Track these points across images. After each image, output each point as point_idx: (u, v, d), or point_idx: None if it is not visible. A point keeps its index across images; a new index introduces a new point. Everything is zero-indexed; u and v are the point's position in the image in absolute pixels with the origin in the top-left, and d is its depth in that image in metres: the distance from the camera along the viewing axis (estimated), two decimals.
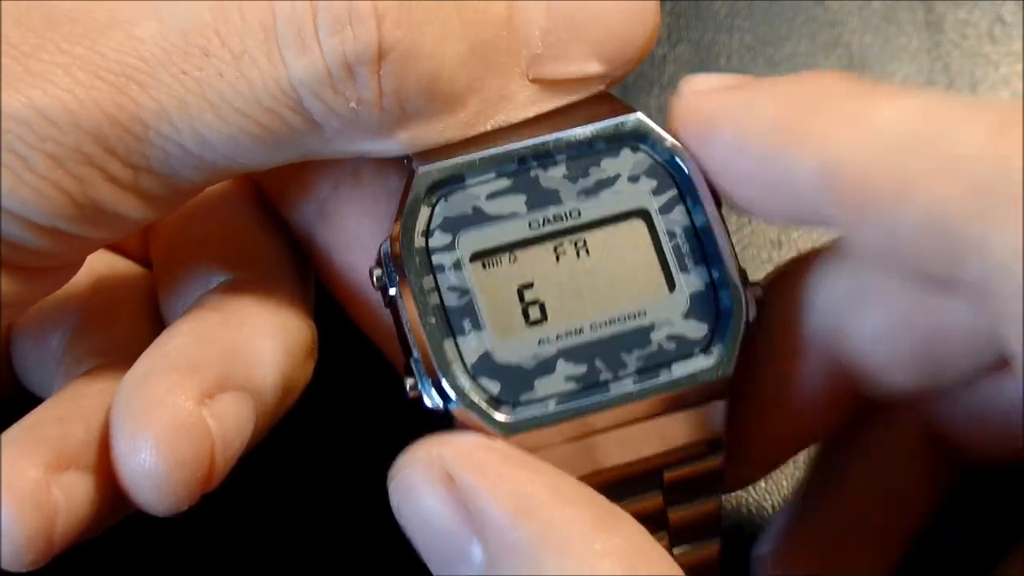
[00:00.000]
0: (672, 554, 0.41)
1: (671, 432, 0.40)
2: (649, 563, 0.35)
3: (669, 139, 0.41)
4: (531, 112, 0.41)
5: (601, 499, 0.36)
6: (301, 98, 0.37)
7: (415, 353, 0.40)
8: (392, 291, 0.40)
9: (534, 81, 0.40)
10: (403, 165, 0.42)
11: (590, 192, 0.41)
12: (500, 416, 0.39)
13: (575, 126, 0.41)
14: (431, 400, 0.39)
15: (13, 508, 0.37)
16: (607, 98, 0.42)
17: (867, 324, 0.40)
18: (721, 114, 0.40)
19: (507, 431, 0.39)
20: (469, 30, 0.38)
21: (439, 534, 0.37)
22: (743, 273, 0.40)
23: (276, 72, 0.37)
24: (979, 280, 0.34)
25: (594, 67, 0.40)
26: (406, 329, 0.40)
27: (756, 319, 0.40)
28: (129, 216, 0.39)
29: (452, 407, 0.39)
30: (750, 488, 0.52)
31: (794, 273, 0.42)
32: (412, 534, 0.38)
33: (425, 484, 0.37)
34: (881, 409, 0.44)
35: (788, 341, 0.42)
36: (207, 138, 0.38)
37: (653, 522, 0.40)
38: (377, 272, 0.40)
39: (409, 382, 0.40)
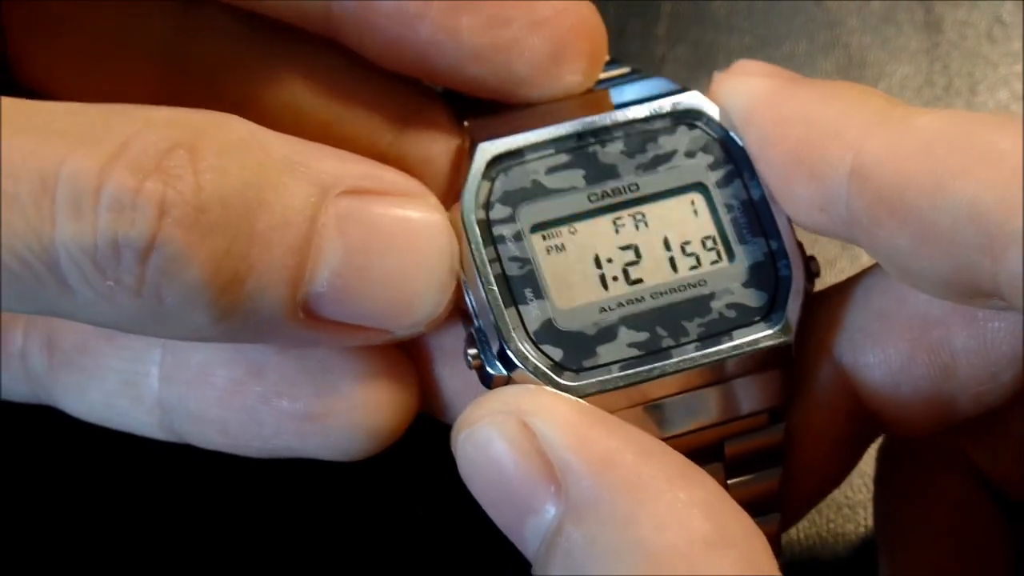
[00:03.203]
0: None
1: (732, 400, 0.42)
2: (733, 515, 0.37)
3: (721, 115, 0.43)
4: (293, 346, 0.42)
5: (678, 454, 0.38)
6: (59, 261, 0.36)
7: (477, 322, 0.41)
8: None
9: (307, 316, 0.39)
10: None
11: (647, 167, 0.43)
12: (564, 381, 0.40)
13: (632, 105, 0.43)
14: (493, 368, 0.41)
15: None
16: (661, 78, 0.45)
17: (879, 358, 0.43)
18: (763, 99, 0.42)
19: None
20: (257, 247, 0.38)
21: (515, 486, 0.38)
22: (800, 244, 0.42)
23: (41, 227, 0.36)
24: (1016, 273, 0.36)
25: (373, 321, 0.40)
26: (468, 298, 0.41)
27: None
28: None
29: (516, 373, 0.40)
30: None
31: (814, 312, 0.44)
32: (482, 488, 0.39)
33: (502, 435, 0.38)
34: (934, 458, 0.47)
35: (808, 381, 0.44)
36: None
37: None
38: None
39: (471, 352, 0.41)
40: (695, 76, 0.64)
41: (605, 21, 0.45)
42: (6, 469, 0.54)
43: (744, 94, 0.42)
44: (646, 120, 0.43)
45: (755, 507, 0.42)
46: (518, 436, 0.38)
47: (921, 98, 0.63)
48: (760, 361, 0.41)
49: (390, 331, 0.40)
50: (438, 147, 0.45)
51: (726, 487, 0.42)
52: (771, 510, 0.43)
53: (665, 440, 0.40)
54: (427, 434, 0.45)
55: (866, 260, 0.59)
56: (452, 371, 0.44)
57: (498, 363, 0.41)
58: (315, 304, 0.39)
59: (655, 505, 0.36)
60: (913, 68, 0.64)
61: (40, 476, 0.54)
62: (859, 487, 0.55)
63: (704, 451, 0.42)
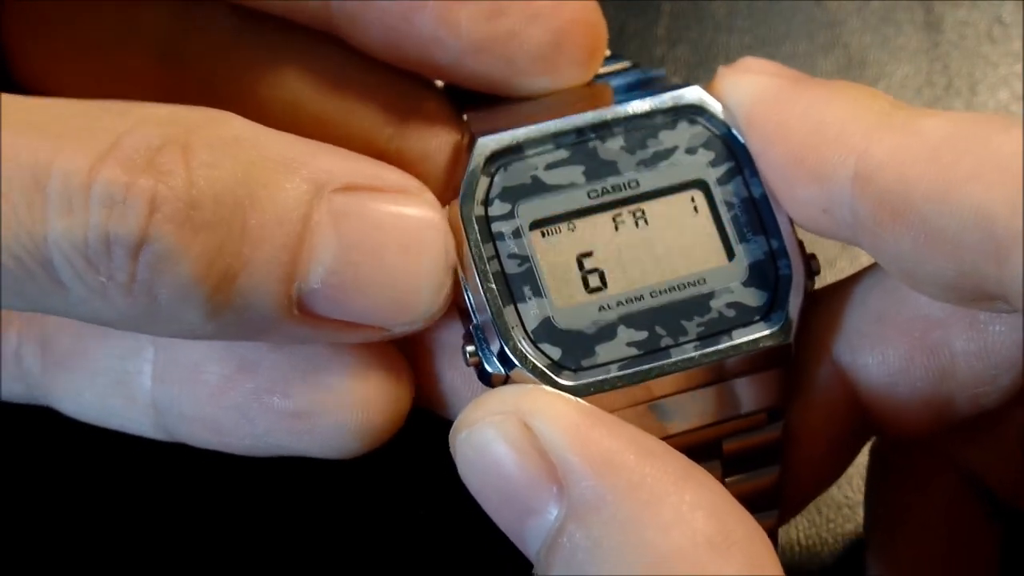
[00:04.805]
0: None
1: (731, 400, 0.41)
2: (736, 516, 0.36)
3: (723, 111, 0.43)
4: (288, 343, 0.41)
5: (680, 455, 0.38)
6: (52, 257, 0.36)
7: (476, 320, 0.41)
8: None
9: (301, 313, 0.39)
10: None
11: (648, 163, 0.42)
12: (563, 380, 0.40)
13: (633, 100, 0.43)
14: (492, 366, 0.40)
15: None
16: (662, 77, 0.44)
17: (878, 359, 0.43)
18: (767, 98, 0.42)
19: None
20: (249, 244, 0.37)
21: (516, 486, 0.37)
22: (801, 243, 0.42)
23: (33, 225, 0.36)
24: (1021, 277, 0.35)
25: (369, 319, 0.40)
26: (467, 296, 0.41)
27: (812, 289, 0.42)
28: None
29: (514, 372, 0.40)
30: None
31: (813, 311, 0.44)
32: (481, 489, 0.38)
33: (502, 436, 0.38)
34: (920, 456, 0.47)
35: (806, 380, 0.44)
36: None
37: None
38: None
39: (469, 349, 0.41)
40: (695, 76, 0.63)
41: (604, 21, 0.45)
42: (3, 470, 0.54)
43: (748, 92, 0.42)
44: (647, 115, 0.43)
45: (753, 503, 0.42)
46: (518, 436, 0.37)
47: (921, 98, 0.63)
48: (759, 361, 0.41)
49: (386, 328, 0.40)
50: (438, 141, 0.45)
51: (724, 484, 0.42)
52: (769, 507, 0.43)
53: (664, 439, 0.40)
54: (427, 432, 0.44)
55: (865, 260, 0.59)
56: (453, 366, 0.43)
57: (497, 361, 0.40)
58: (309, 301, 0.38)
59: (659, 507, 0.36)
60: (913, 68, 0.63)
61: (37, 476, 0.54)
62: (859, 487, 0.54)
63: (702, 449, 0.41)
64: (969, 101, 0.62)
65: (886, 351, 0.42)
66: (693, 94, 0.43)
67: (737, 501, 0.37)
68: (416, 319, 0.40)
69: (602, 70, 0.45)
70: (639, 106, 0.43)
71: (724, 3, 0.65)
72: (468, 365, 0.41)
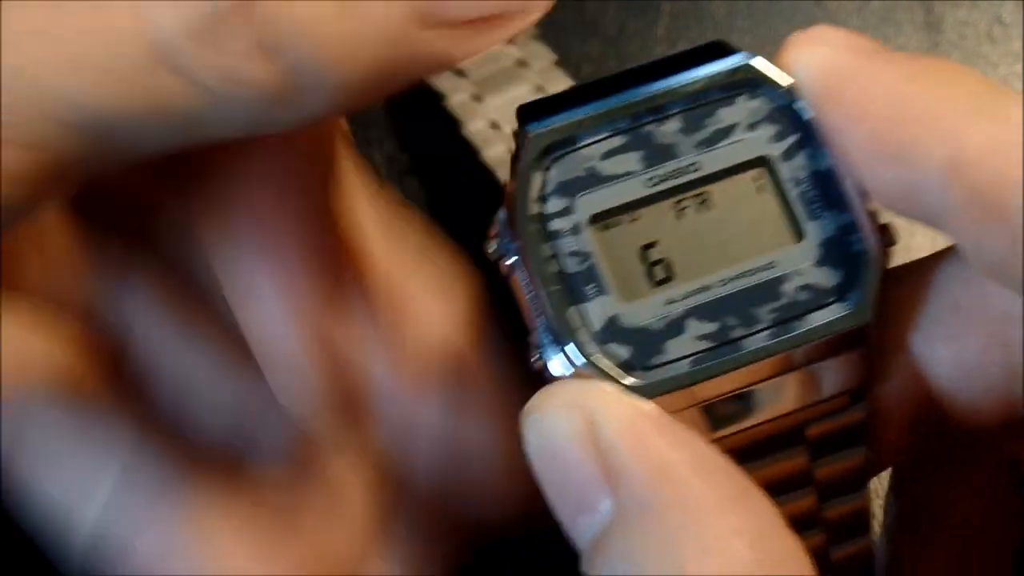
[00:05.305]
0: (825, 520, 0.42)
1: (811, 385, 0.40)
2: (781, 547, 0.35)
3: (787, 82, 0.40)
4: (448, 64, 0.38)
5: (740, 474, 0.36)
6: (175, 55, 0.33)
7: (538, 323, 0.39)
8: (509, 261, 0.39)
9: (434, 27, 0.36)
10: None
11: (708, 143, 0.40)
12: (631, 381, 0.38)
13: (686, 74, 0.41)
14: (556, 370, 0.39)
15: None
16: (717, 43, 0.42)
17: (951, 352, 0.41)
18: (846, 72, 0.39)
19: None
20: None
21: (573, 481, 0.37)
22: (873, 215, 0.40)
23: (139, 25, 0.33)
24: None
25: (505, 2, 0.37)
26: (528, 299, 0.39)
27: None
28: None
29: (579, 374, 0.39)
30: None
31: (890, 293, 0.42)
32: (543, 475, 0.37)
33: (567, 432, 0.37)
34: (966, 444, 0.45)
35: (880, 365, 0.42)
36: (80, 104, 0.33)
37: (800, 482, 0.40)
38: (493, 244, 0.40)
39: (533, 352, 0.39)
40: None
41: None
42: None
43: (824, 65, 0.40)
44: (703, 91, 0.40)
45: (841, 486, 0.41)
46: (582, 432, 0.37)
47: None
48: (837, 343, 0.39)
49: (529, 9, 0.37)
50: None
51: (811, 473, 0.41)
52: (858, 488, 0.41)
53: (743, 431, 0.39)
54: None
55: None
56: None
57: (561, 365, 0.39)
58: (435, 11, 0.36)
59: (700, 528, 0.35)
60: None
61: None
62: None
63: (785, 437, 0.40)
64: None
65: (961, 344, 0.41)
66: (750, 65, 0.41)
67: (789, 529, 0.36)
68: None
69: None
70: (694, 82, 0.40)
71: (724, 3, 0.64)
72: (532, 369, 0.39)
